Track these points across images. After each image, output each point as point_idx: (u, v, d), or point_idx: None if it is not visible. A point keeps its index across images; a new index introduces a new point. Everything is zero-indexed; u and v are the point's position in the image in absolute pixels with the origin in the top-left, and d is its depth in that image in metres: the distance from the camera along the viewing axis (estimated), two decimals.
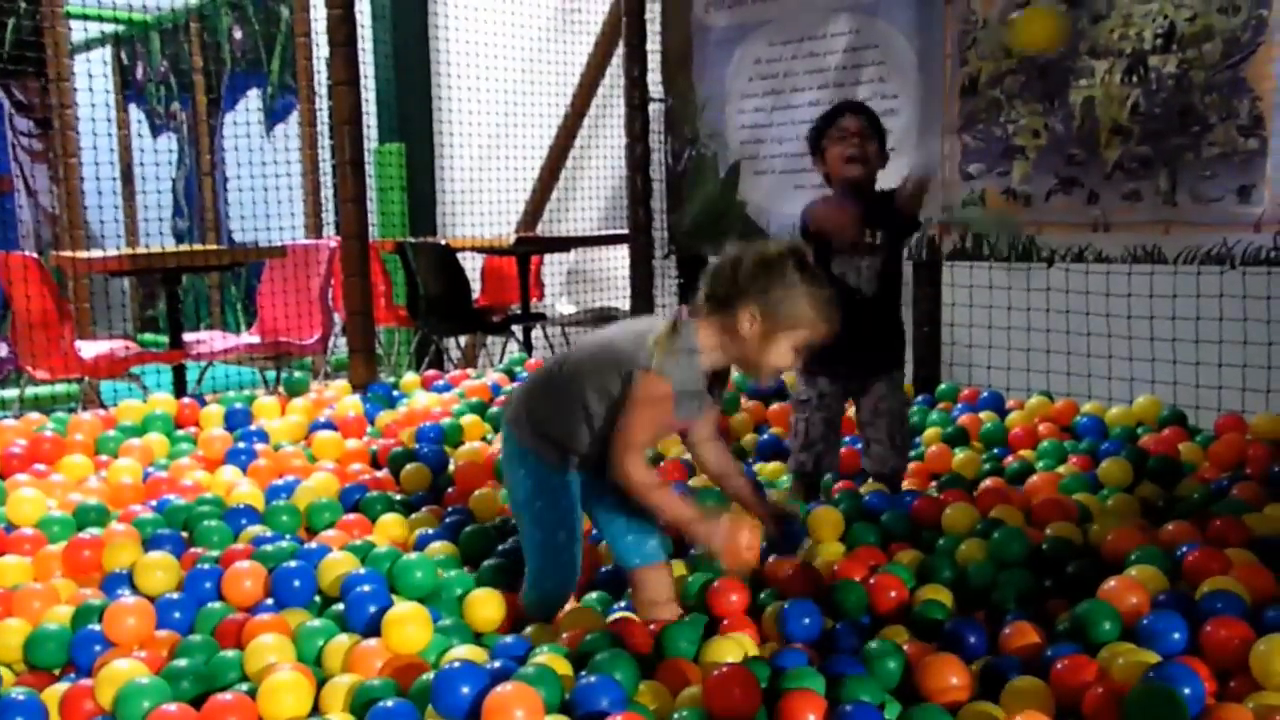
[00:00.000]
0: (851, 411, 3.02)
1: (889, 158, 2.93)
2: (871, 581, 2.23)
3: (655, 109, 4.95)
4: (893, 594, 2.20)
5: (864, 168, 2.84)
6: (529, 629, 2.12)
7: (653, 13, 4.95)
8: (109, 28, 8.74)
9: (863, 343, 2.84)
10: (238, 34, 8.13)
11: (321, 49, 5.50)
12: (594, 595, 2.31)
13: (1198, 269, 3.34)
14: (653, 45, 4.94)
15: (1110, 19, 3.38)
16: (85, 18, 7.94)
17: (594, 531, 2.46)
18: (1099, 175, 3.44)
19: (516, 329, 6.08)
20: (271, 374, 5.47)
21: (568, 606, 2.22)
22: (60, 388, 5.46)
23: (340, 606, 2.15)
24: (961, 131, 3.76)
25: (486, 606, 2.18)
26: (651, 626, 2.06)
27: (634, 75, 4.97)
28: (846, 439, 3.37)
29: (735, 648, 1.97)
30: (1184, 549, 2.24)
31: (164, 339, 5.36)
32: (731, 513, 2.11)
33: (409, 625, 1.95)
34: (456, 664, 1.79)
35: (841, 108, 2.95)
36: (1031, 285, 3.85)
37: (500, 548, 2.48)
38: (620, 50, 5.16)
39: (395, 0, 7.10)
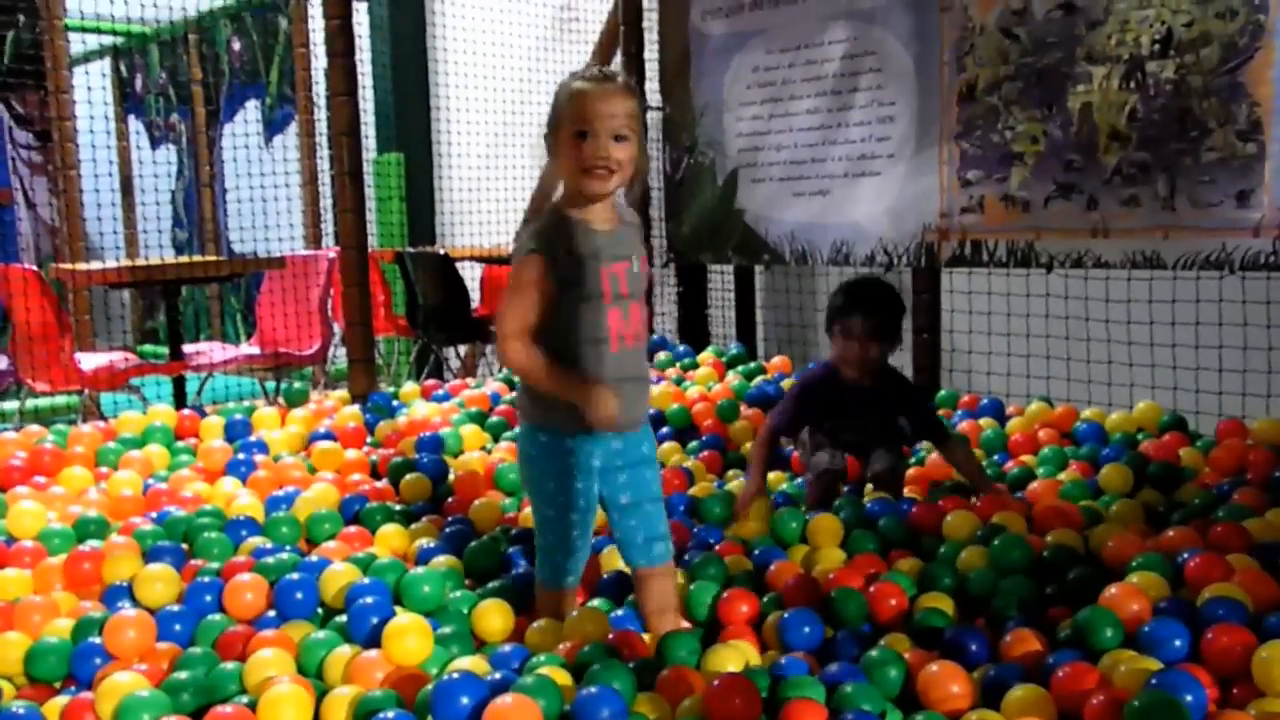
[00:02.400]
0: None
1: (899, 343, 2.96)
2: (871, 590, 2.23)
3: (653, 117, 4.96)
4: (893, 602, 2.19)
5: (860, 372, 2.90)
6: (529, 634, 2.11)
7: (650, 21, 4.96)
8: (108, 40, 8.76)
9: (866, 431, 3.02)
10: (236, 46, 8.15)
11: (320, 60, 5.52)
12: (596, 601, 2.31)
13: (1197, 274, 3.34)
14: (650, 53, 4.95)
15: (1107, 25, 3.39)
16: (84, 30, 7.96)
17: (597, 539, 2.46)
18: (1098, 181, 3.44)
19: None
20: (271, 384, 5.47)
21: (575, 610, 2.21)
22: (60, 399, 5.47)
23: (343, 618, 2.14)
24: (959, 138, 3.76)
25: (494, 617, 2.17)
26: (645, 637, 2.06)
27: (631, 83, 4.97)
28: None
29: (736, 656, 1.97)
30: (1185, 555, 2.24)
31: (164, 350, 5.37)
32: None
33: (410, 637, 1.95)
34: (456, 675, 1.79)
35: (853, 302, 2.86)
36: (1031, 291, 3.86)
37: (514, 571, 2.47)
38: (618, 58, 5.17)
39: (393, 11, 7.12)
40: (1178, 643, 1.89)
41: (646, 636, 2.09)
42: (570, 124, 2.00)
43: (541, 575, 2.20)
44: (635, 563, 2.15)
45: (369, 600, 2.11)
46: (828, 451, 2.96)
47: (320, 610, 2.26)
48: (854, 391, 2.93)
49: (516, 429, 3.71)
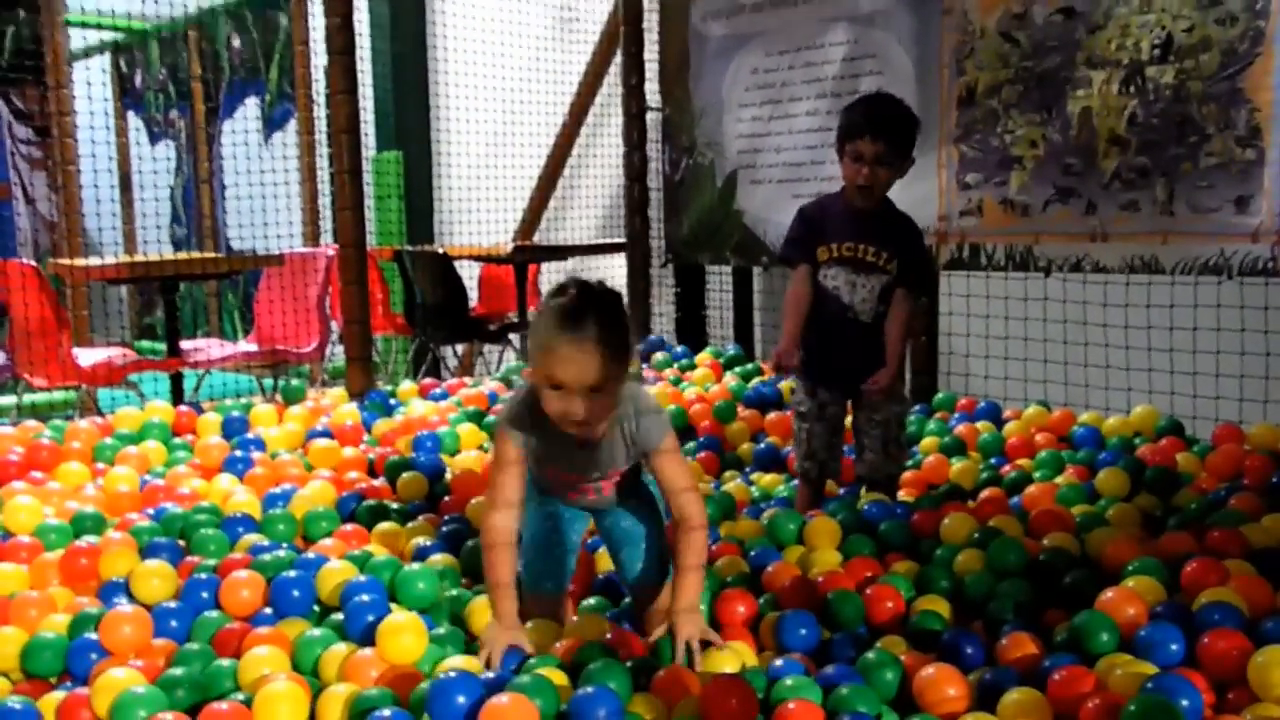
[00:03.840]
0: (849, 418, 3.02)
1: (911, 164, 2.86)
2: (868, 592, 2.23)
3: (653, 118, 4.96)
4: (890, 604, 2.20)
5: (868, 196, 2.81)
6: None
7: (650, 22, 4.97)
8: (108, 36, 8.75)
9: (856, 359, 2.86)
10: (236, 42, 8.15)
11: (320, 57, 5.51)
12: (592, 601, 2.31)
13: (1195, 279, 3.35)
14: (650, 54, 4.96)
15: (1107, 29, 3.39)
16: (85, 26, 7.96)
17: (591, 539, 2.46)
18: (1097, 185, 3.45)
19: (514, 337, 6.08)
20: (269, 381, 5.47)
21: (574, 616, 2.21)
22: (58, 394, 5.46)
23: (339, 616, 2.14)
24: (959, 141, 3.77)
25: (488, 616, 2.16)
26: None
27: (631, 84, 4.98)
28: (847, 447, 3.38)
29: (733, 658, 1.97)
30: (1182, 560, 2.24)
31: (161, 346, 5.36)
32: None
33: (404, 635, 1.95)
34: (452, 674, 1.78)
35: (863, 125, 2.76)
36: (1029, 295, 3.86)
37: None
38: (618, 59, 5.17)
39: (394, 9, 7.11)
40: (1174, 647, 1.90)
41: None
42: (544, 372, 1.87)
43: (525, 576, 2.20)
44: (632, 586, 2.18)
45: (365, 598, 2.11)
46: (814, 461, 2.94)
47: (316, 608, 2.26)
48: (858, 211, 2.82)
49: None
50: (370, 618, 2.04)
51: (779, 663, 1.94)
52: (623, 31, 5.03)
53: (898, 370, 2.87)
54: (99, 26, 8.30)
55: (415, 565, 2.34)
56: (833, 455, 2.96)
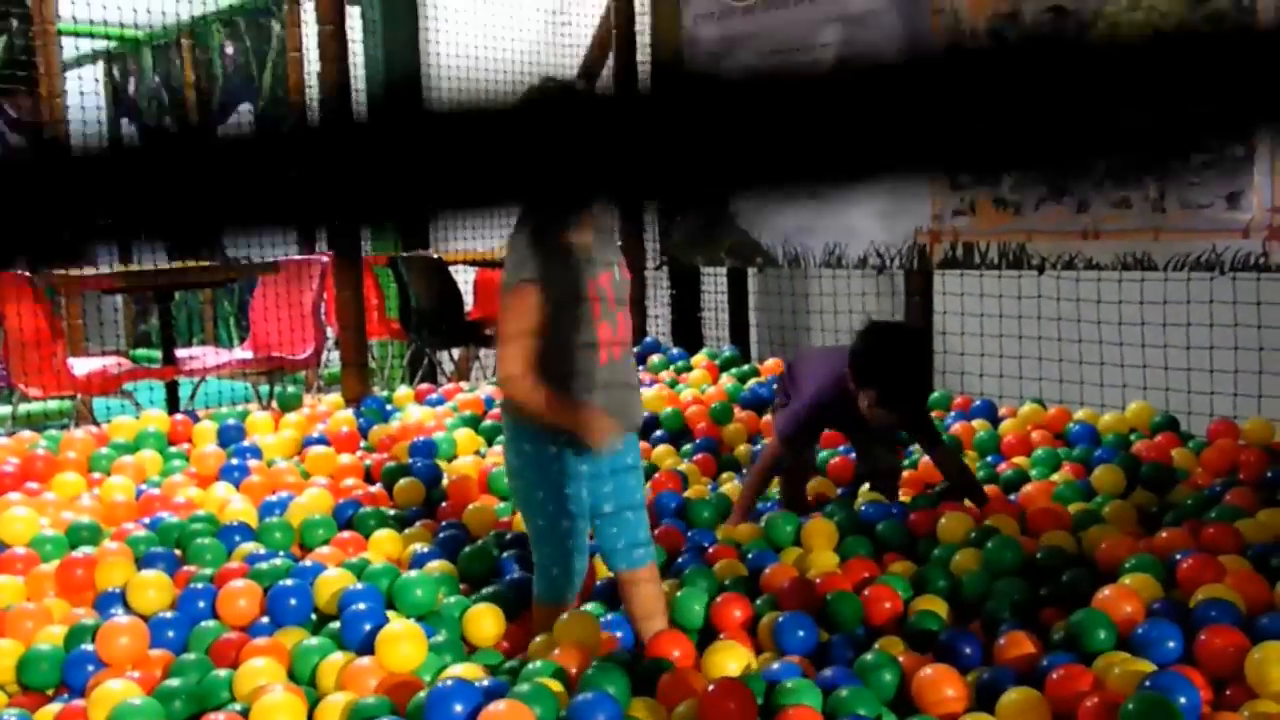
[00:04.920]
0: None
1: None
2: (866, 593, 2.23)
3: None
4: (887, 605, 2.20)
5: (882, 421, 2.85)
6: (530, 648, 2.11)
7: (642, 25, 4.97)
8: (101, 44, 8.74)
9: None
10: (229, 50, 8.14)
11: (313, 64, 5.50)
12: (590, 606, 2.31)
13: (1188, 275, 3.35)
14: (643, 57, 4.96)
15: (1097, 27, 3.40)
16: (77, 34, 7.94)
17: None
18: (1088, 184, 3.45)
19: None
20: (265, 388, 5.46)
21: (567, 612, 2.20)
22: (53, 404, 5.45)
23: (337, 625, 2.14)
24: None
25: (484, 621, 2.17)
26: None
27: (624, 87, 4.98)
28: (841, 448, 3.38)
29: (734, 657, 1.97)
30: (1178, 556, 2.24)
31: (157, 354, 5.35)
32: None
33: (403, 643, 1.95)
34: (450, 682, 1.78)
35: (893, 393, 2.77)
36: (1023, 293, 3.86)
37: (507, 577, 2.46)
38: (611, 63, 5.17)
39: (386, 15, 7.11)
40: (1171, 644, 1.90)
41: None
42: None
43: (538, 589, 2.17)
44: (616, 567, 2.15)
45: (361, 606, 2.11)
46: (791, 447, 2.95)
47: (314, 616, 2.26)
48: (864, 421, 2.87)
49: None
50: (367, 626, 2.05)
51: (776, 666, 1.94)
52: (615, 35, 5.03)
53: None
54: (91, 35, 8.29)
55: (413, 573, 2.34)
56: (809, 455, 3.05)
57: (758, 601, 2.27)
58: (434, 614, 2.23)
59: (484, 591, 2.35)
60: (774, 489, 3.20)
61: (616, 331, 2.08)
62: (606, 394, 2.03)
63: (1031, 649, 1.97)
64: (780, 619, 2.11)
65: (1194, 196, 3.23)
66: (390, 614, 2.16)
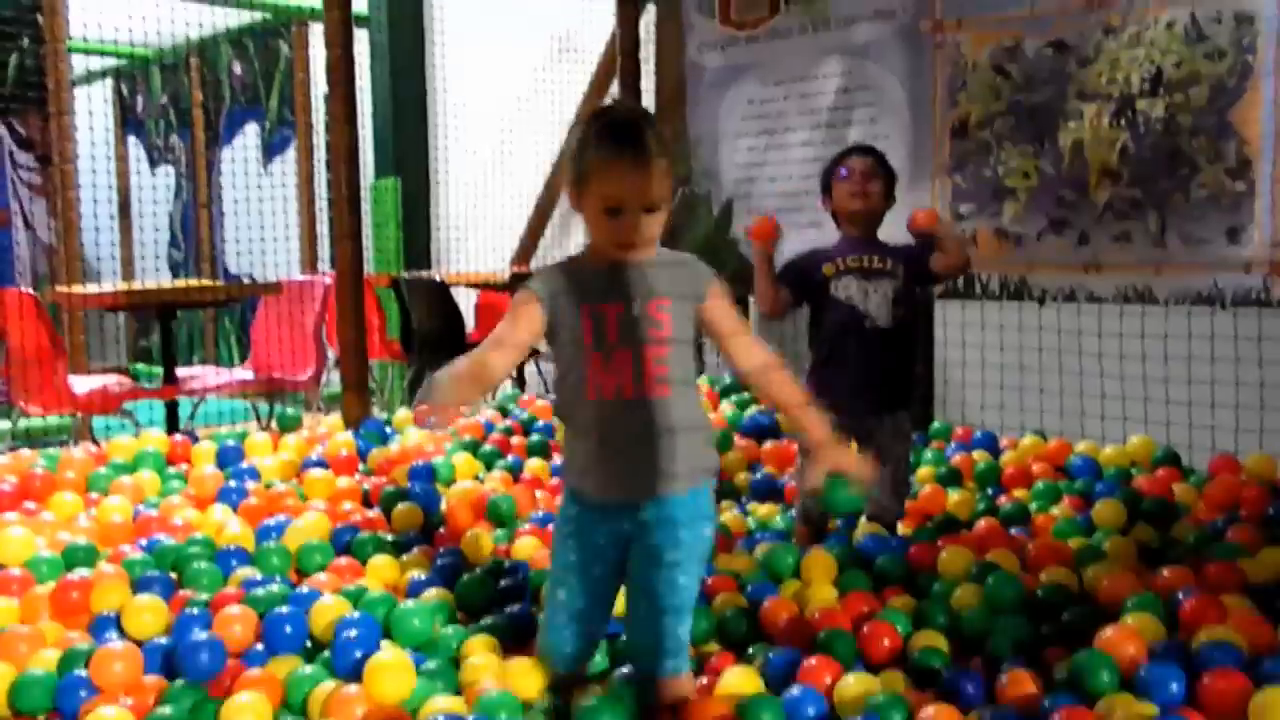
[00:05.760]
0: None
1: (895, 200, 2.89)
2: (865, 629, 2.22)
3: None
4: (886, 642, 2.18)
5: (865, 202, 2.82)
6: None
7: (647, 52, 5.00)
8: (110, 62, 8.80)
9: (870, 375, 2.80)
10: (237, 69, 8.18)
11: (320, 86, 5.54)
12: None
13: (1189, 309, 3.36)
14: (647, 84, 4.99)
15: (1098, 63, 3.42)
16: (87, 52, 8.00)
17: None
18: (1089, 216, 3.47)
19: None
20: (264, 408, 5.46)
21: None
22: (52, 419, 5.45)
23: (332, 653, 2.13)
24: (953, 172, 3.78)
25: (481, 654, 2.15)
26: None
27: None
28: None
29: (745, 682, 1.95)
30: (1180, 596, 2.23)
31: (158, 369, 5.36)
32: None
33: (390, 673, 1.93)
34: (440, 717, 1.77)
35: (850, 150, 2.95)
36: (1024, 324, 3.87)
37: (506, 610, 2.41)
38: (614, 88, 5.20)
39: (393, 38, 7.15)
40: (1174, 686, 1.89)
41: None
42: (599, 197, 1.81)
43: (562, 662, 1.99)
44: (640, 670, 1.93)
45: (352, 634, 2.09)
46: (818, 499, 2.89)
47: (309, 644, 2.25)
48: (855, 238, 2.86)
49: (510, 457, 3.73)
50: (358, 654, 2.03)
51: (796, 691, 1.92)
52: (620, 61, 5.05)
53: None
54: (101, 53, 8.34)
55: (409, 603, 2.33)
56: None
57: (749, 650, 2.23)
58: (430, 644, 2.21)
59: (481, 623, 2.32)
60: (776, 519, 3.19)
61: (612, 374, 1.84)
62: (597, 444, 1.85)
63: (1033, 689, 1.95)
64: (771, 654, 2.10)
65: (1194, 231, 3.24)
66: (385, 643, 2.15)
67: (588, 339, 1.85)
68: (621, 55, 5.03)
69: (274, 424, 4.20)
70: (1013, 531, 2.89)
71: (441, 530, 2.98)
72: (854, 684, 1.97)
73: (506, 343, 1.85)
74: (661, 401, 1.84)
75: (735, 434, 3.88)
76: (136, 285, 5.66)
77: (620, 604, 1.98)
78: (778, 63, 4.36)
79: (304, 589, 2.45)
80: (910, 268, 2.84)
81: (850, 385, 2.77)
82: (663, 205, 1.85)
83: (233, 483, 3.32)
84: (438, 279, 5.78)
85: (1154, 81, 3.31)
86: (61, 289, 5.05)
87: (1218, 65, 3.17)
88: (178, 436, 3.79)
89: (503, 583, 2.56)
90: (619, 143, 1.79)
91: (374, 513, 3.12)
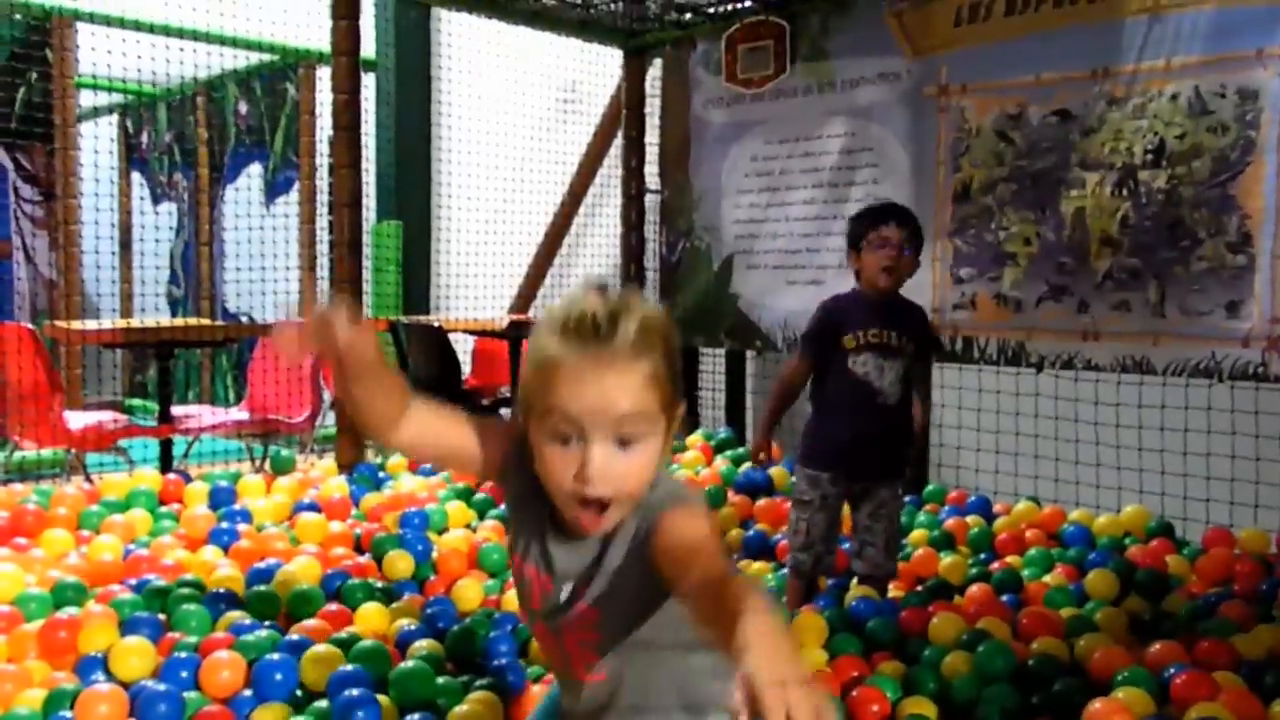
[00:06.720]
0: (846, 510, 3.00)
1: (920, 264, 2.93)
2: (854, 694, 2.20)
3: (651, 200, 5.02)
4: (875, 708, 2.17)
5: (894, 278, 2.86)
6: None
7: (652, 107, 5.05)
8: (117, 98, 8.87)
9: (875, 445, 2.87)
10: (243, 109, 8.25)
11: (325, 129, 5.57)
12: None
13: (1186, 381, 3.37)
14: (651, 138, 5.03)
15: (1101, 133, 3.46)
16: (95, 88, 8.06)
17: None
18: (1089, 284, 3.49)
19: (506, 412, 6.07)
20: (259, 448, 5.44)
21: None
22: (46, 453, 5.42)
23: (322, 703, 2.11)
24: (954, 236, 3.81)
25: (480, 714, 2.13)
26: None
27: (631, 166, 5.05)
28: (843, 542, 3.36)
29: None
30: (1171, 671, 2.23)
31: (153, 405, 5.34)
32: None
33: None
34: None
35: (887, 213, 2.89)
36: (1021, 390, 3.88)
37: (494, 661, 2.39)
38: (619, 141, 5.25)
39: (399, 85, 7.23)
40: None
41: None
42: (542, 412, 1.20)
43: None
44: None
45: (354, 692, 2.06)
46: (810, 553, 2.90)
47: (299, 692, 2.22)
48: (876, 302, 2.87)
49: (503, 507, 3.72)
50: (360, 714, 2.01)
51: None
52: (624, 115, 5.11)
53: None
54: (110, 89, 8.41)
55: (409, 663, 2.29)
56: (829, 548, 2.93)
57: None
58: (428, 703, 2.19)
59: (477, 684, 2.28)
60: (768, 577, 3.17)
61: (553, 646, 1.36)
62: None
63: None
64: None
65: (1194, 303, 3.26)
66: (381, 698, 2.12)
67: (520, 600, 1.41)
68: (626, 109, 5.08)
69: (268, 465, 4.19)
70: (1004, 598, 2.88)
71: (433, 578, 2.96)
72: None
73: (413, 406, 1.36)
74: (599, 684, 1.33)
75: (729, 490, 3.87)
76: (135, 322, 5.66)
77: None
78: (782, 121, 4.41)
79: (294, 636, 2.43)
80: (919, 347, 2.92)
81: (854, 450, 2.87)
82: (644, 435, 1.20)
83: (225, 524, 3.31)
84: (436, 324, 5.79)
85: (1156, 153, 3.35)
86: (60, 324, 5.05)
87: (1221, 139, 3.21)
88: (171, 475, 3.78)
89: (493, 634, 2.54)
90: (580, 323, 1.19)
91: (365, 559, 3.11)
